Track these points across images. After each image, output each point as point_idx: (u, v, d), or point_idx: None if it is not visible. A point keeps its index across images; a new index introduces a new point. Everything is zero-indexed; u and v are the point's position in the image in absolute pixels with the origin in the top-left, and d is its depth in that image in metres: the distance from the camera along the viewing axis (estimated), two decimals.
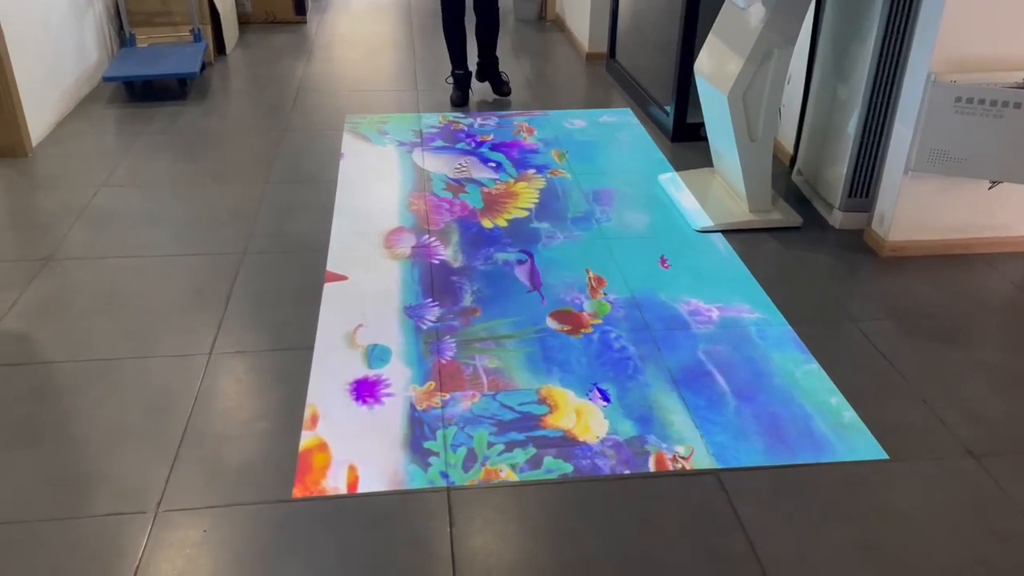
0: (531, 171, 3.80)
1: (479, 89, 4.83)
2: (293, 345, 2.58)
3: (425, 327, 2.67)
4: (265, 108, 4.56)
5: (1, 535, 1.90)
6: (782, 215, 3.35)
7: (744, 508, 2.00)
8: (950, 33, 2.78)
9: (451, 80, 4.73)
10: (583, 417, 2.29)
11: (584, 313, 2.74)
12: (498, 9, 4.62)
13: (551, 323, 2.69)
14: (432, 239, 3.21)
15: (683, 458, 2.17)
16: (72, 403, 2.31)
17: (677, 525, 1.96)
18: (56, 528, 1.92)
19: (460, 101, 4.67)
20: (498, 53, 4.73)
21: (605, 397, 2.36)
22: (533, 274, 2.94)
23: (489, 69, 4.77)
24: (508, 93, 4.76)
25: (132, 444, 2.17)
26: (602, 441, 2.21)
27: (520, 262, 3.00)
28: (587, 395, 2.36)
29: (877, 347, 2.61)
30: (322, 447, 2.17)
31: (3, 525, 1.93)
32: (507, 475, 2.09)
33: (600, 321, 2.69)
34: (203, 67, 4.96)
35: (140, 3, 5.00)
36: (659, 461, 2.16)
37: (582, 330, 2.65)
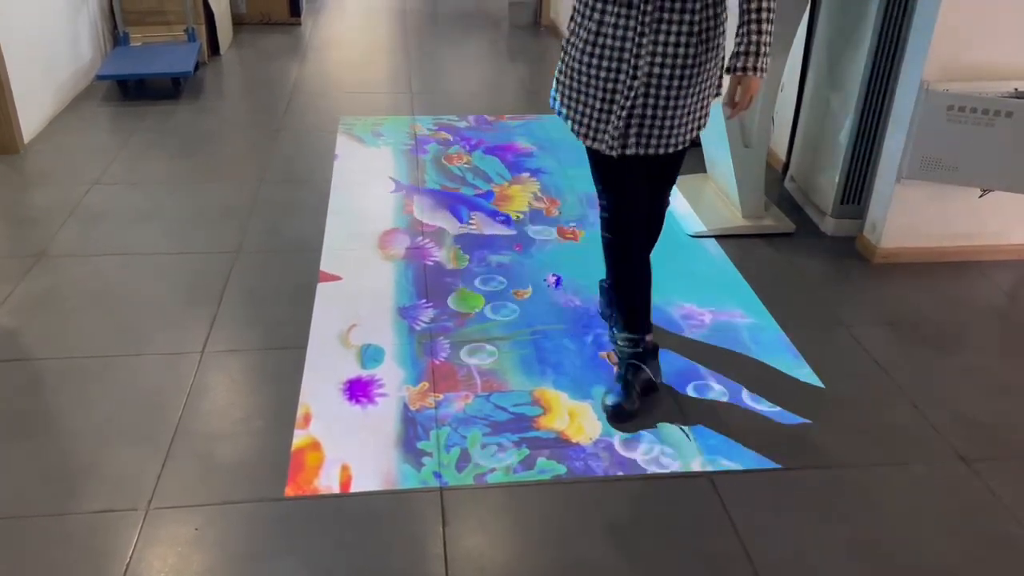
0: (525, 175, 3.81)
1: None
2: (286, 344, 2.57)
3: (419, 328, 2.67)
4: (259, 108, 4.55)
5: None
6: (775, 221, 3.36)
7: (737, 510, 2.01)
8: (944, 41, 2.80)
9: (618, 346, 2.39)
10: (576, 419, 2.30)
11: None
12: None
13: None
14: (426, 240, 3.21)
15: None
16: (64, 400, 2.30)
17: (670, 527, 1.96)
18: (47, 524, 1.91)
19: (628, 410, 2.29)
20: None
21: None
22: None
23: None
24: (649, 392, 2.35)
25: (124, 441, 2.16)
26: (595, 443, 2.21)
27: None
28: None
29: (869, 352, 2.62)
30: (315, 446, 2.17)
31: None
32: (500, 476, 2.09)
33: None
34: (197, 67, 4.95)
35: (134, 2, 4.99)
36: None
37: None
